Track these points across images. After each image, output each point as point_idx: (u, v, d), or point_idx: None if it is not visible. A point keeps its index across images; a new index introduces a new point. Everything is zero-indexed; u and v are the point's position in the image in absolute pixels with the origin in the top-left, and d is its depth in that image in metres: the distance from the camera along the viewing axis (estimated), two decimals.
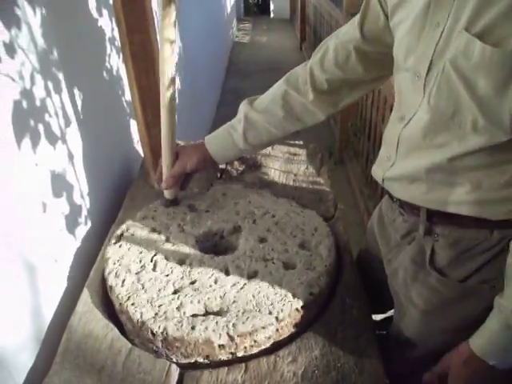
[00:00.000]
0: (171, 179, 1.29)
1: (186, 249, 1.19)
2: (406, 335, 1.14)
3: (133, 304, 1.02)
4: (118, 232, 1.26)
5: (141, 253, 1.18)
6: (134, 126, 1.78)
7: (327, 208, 1.44)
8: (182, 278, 1.10)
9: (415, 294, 1.06)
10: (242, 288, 1.07)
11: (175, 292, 1.06)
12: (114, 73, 1.66)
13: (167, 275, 1.11)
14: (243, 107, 1.24)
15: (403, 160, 1.00)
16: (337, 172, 3.76)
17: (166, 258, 1.16)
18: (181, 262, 1.15)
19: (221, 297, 1.04)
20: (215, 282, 1.08)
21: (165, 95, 1.19)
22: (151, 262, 1.15)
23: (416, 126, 0.94)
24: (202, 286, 1.07)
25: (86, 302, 1.11)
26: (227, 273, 1.12)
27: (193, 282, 1.08)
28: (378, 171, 1.10)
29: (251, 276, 1.11)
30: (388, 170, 1.04)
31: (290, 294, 1.05)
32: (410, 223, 1.06)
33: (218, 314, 1.01)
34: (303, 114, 1.21)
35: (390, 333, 1.23)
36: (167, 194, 1.35)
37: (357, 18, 1.11)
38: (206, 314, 1.01)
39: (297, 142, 1.85)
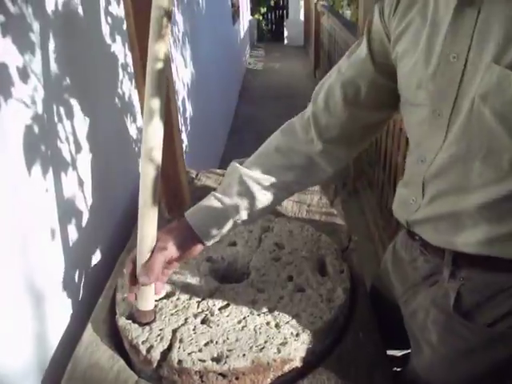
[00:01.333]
0: (151, 273, 0.99)
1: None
2: (424, 379, 1.10)
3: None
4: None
5: None
6: None
7: (341, 240, 1.44)
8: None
9: (436, 339, 1.02)
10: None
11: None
12: (127, 99, 1.70)
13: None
14: (234, 168, 1.08)
15: (431, 203, 0.96)
16: (351, 203, 3.77)
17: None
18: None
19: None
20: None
21: (147, 141, 0.95)
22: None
23: (441, 168, 0.90)
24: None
25: (93, 331, 1.12)
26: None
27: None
28: (401, 213, 1.06)
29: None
30: (413, 213, 1.01)
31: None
32: (432, 264, 1.03)
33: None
34: (309, 172, 1.10)
35: (406, 374, 1.20)
36: (142, 300, 1.05)
37: (362, 49, 1.03)
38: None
39: None
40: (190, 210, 1.04)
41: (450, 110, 0.85)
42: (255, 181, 1.05)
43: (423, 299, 1.06)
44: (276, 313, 1.09)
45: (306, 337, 1.03)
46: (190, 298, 1.14)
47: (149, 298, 1.04)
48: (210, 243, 1.03)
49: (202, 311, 1.10)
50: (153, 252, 0.99)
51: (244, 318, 1.08)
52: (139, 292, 1.03)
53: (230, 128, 5.63)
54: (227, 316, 1.09)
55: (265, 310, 1.11)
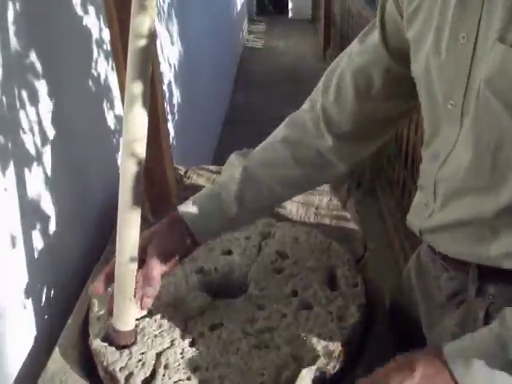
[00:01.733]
0: (155, 281, 1.03)
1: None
2: None
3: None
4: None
5: None
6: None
7: (355, 248, 1.44)
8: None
9: None
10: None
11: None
12: (103, 82, 1.70)
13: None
14: (237, 159, 1.13)
15: (444, 207, 0.97)
16: (366, 205, 3.77)
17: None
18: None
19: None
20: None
21: (128, 132, 0.95)
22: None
23: (455, 166, 0.91)
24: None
25: (61, 356, 1.11)
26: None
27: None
28: (413, 221, 1.08)
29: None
30: (426, 220, 1.01)
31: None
32: (457, 282, 1.03)
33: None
34: (319, 167, 1.13)
35: None
36: (120, 319, 1.05)
37: (375, 33, 1.04)
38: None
39: None
40: (183, 205, 1.09)
41: (461, 99, 0.85)
42: (259, 175, 1.09)
43: (449, 322, 1.05)
44: (277, 333, 1.09)
45: (311, 362, 1.03)
46: (176, 317, 1.14)
47: (128, 315, 1.04)
48: (203, 242, 1.10)
49: (191, 332, 1.10)
50: (144, 257, 1.02)
51: (240, 340, 1.08)
52: (116, 308, 1.02)
53: (225, 118, 5.64)
54: (219, 337, 1.09)
55: (264, 329, 1.10)
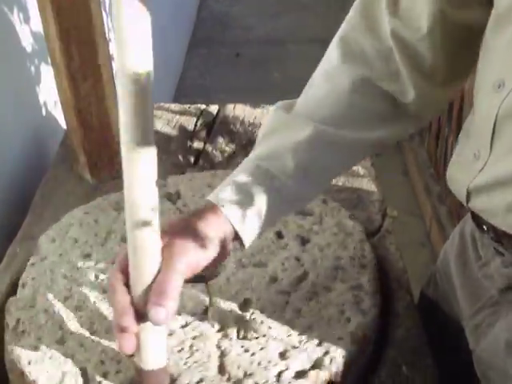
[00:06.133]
0: (173, 295, 0.86)
1: None
2: None
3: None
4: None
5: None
6: (48, 77, 1.79)
7: (370, 215, 1.44)
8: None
9: None
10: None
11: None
12: None
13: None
14: (297, 118, 1.08)
15: (504, 156, 0.95)
16: (387, 156, 3.77)
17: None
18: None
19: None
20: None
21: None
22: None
23: None
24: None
25: None
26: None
27: None
28: (457, 178, 1.07)
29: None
30: (476, 175, 1.00)
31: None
32: None
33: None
34: (392, 124, 1.12)
35: None
36: (149, 352, 0.92)
37: None
38: None
39: None
40: (220, 193, 1.00)
41: None
42: (329, 139, 1.05)
43: (503, 324, 1.06)
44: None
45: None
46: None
47: (159, 346, 0.94)
48: (249, 243, 1.01)
49: None
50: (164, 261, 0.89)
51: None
52: (143, 338, 0.90)
53: (191, 37, 5.59)
54: None
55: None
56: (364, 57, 1.08)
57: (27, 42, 1.74)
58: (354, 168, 1.60)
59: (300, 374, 1.02)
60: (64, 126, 1.63)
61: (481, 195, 1.00)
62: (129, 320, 0.86)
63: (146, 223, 0.83)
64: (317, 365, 1.04)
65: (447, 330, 1.22)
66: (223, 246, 0.95)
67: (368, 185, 1.55)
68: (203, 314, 1.13)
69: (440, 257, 1.28)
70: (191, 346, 1.07)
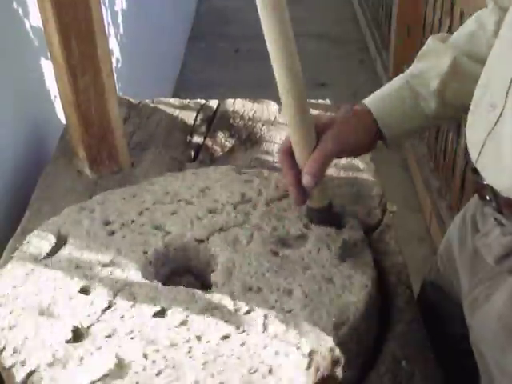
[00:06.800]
0: (319, 167, 1.18)
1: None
2: None
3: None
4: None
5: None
6: (48, 71, 1.78)
7: (369, 210, 1.44)
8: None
9: None
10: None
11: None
12: None
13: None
14: (444, 46, 1.24)
15: None
16: (387, 151, 3.76)
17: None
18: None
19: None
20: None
21: None
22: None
23: None
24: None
25: None
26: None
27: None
28: (474, 134, 1.09)
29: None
30: (494, 126, 1.02)
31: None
32: (510, 238, 1.04)
33: None
34: None
35: None
36: (316, 198, 1.27)
37: None
38: None
39: (320, 100, 1.85)
40: (374, 100, 1.25)
41: None
42: (467, 68, 1.22)
43: (498, 298, 1.06)
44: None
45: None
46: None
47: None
48: (392, 144, 1.29)
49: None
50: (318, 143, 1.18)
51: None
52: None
53: (191, 32, 5.58)
54: None
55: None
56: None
57: (27, 37, 1.73)
58: (354, 162, 1.60)
59: None
60: (63, 120, 1.63)
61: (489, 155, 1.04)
62: (295, 189, 1.22)
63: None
64: None
65: (447, 310, 1.23)
66: (370, 138, 1.25)
67: (368, 179, 1.55)
68: None
69: (442, 242, 1.29)
70: None
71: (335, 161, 1.59)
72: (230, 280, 1.17)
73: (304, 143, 1.18)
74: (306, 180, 1.16)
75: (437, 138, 3.28)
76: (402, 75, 1.26)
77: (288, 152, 1.20)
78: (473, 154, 1.07)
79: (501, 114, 1.00)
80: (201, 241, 1.26)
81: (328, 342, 1.04)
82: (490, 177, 1.04)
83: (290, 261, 1.20)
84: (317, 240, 1.24)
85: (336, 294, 1.13)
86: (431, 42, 1.26)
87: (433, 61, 1.23)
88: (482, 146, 1.04)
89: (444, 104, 1.22)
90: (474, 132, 1.08)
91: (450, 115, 1.29)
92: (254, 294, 1.14)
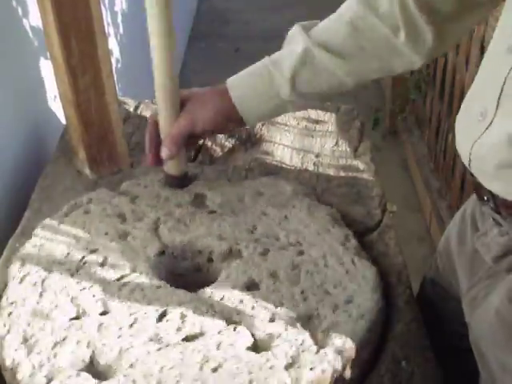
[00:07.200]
0: (173, 142, 1.28)
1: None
2: None
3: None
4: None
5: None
6: (47, 71, 1.78)
7: (369, 210, 1.44)
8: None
9: None
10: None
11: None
12: None
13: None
14: (300, 34, 1.24)
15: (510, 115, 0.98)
16: (386, 151, 3.77)
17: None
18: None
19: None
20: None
21: None
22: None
23: None
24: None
25: None
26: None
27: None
28: (463, 141, 1.09)
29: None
30: (481, 135, 1.02)
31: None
32: (509, 237, 1.04)
33: None
34: (387, 53, 1.21)
35: None
36: (170, 167, 1.37)
37: None
38: None
39: None
40: (232, 79, 1.28)
41: None
42: (321, 58, 1.21)
43: (496, 296, 1.07)
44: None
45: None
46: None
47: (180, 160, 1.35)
48: (251, 124, 1.37)
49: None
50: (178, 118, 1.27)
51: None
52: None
53: (192, 31, 5.57)
54: None
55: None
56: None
57: (26, 37, 1.73)
58: (354, 163, 1.60)
59: None
60: (63, 120, 1.63)
61: (482, 158, 1.03)
62: (151, 154, 1.32)
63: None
64: None
65: (447, 309, 1.23)
66: (226, 115, 1.26)
67: (368, 180, 1.55)
68: None
69: (441, 240, 1.29)
70: None
71: (335, 161, 1.60)
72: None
73: (165, 115, 1.29)
74: (163, 151, 1.28)
75: (437, 138, 3.28)
76: (266, 58, 1.26)
77: (155, 121, 1.32)
78: (464, 160, 1.07)
79: (490, 123, 1.00)
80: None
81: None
82: (483, 181, 1.04)
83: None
84: None
85: None
86: (295, 28, 1.26)
87: (290, 48, 1.24)
88: (470, 154, 1.05)
89: (297, 92, 1.23)
90: (463, 139, 1.09)
91: (307, 102, 1.31)
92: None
